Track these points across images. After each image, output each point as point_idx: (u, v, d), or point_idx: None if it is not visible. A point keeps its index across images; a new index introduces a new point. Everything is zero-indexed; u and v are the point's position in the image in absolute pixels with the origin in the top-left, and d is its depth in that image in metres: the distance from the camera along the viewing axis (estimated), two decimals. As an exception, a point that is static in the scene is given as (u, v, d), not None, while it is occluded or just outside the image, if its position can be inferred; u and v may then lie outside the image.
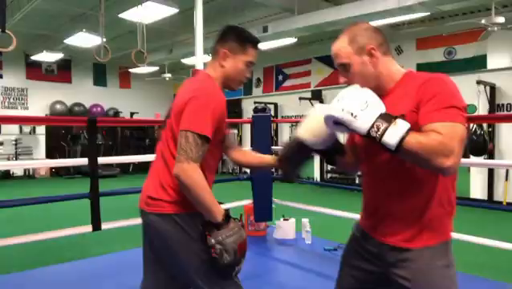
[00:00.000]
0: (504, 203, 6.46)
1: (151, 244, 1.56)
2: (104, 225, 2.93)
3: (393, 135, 1.04)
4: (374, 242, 1.30)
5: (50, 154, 10.92)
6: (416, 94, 1.15)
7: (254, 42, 1.58)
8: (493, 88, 6.69)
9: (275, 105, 10.31)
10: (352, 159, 1.45)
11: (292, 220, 3.99)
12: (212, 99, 1.42)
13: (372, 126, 1.06)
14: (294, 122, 10.35)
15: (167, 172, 1.46)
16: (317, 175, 9.46)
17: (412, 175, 1.19)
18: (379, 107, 1.09)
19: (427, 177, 1.19)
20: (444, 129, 1.05)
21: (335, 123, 1.14)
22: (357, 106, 1.08)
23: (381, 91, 1.21)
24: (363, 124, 1.07)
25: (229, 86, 1.59)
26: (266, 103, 10.74)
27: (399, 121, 1.05)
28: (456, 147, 1.04)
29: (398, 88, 1.23)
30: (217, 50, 1.57)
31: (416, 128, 1.08)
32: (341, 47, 1.26)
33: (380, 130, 1.05)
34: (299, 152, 1.45)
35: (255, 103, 10.82)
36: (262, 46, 7.98)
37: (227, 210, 1.43)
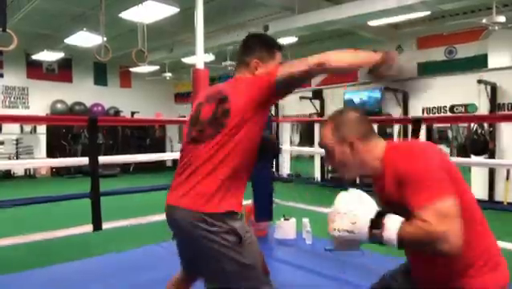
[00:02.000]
0: (505, 203, 6.46)
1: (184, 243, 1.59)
2: (105, 225, 2.93)
3: (389, 236, 1.09)
4: None
5: (50, 153, 10.92)
6: (393, 180, 1.20)
7: (279, 46, 1.64)
8: (494, 88, 6.68)
9: (276, 104, 10.30)
10: None
11: (293, 220, 3.98)
12: None
13: (371, 235, 1.12)
14: (295, 121, 10.36)
15: (211, 179, 1.43)
16: (318, 175, 9.46)
17: None
18: (369, 212, 1.15)
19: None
20: (427, 215, 1.06)
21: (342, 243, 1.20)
22: (347, 222, 1.15)
23: (375, 175, 1.30)
24: (361, 236, 1.14)
25: None
26: (266, 103, 10.69)
27: (387, 221, 1.11)
28: (446, 228, 1.03)
29: (383, 172, 1.27)
30: (247, 62, 1.58)
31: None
32: (326, 133, 1.34)
33: (377, 236, 1.12)
34: None
35: (256, 102, 10.81)
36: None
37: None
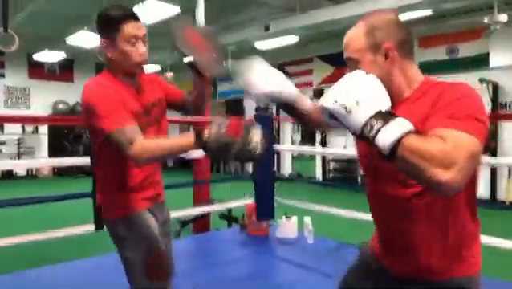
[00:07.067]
0: (507, 202, 6.45)
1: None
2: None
3: (388, 135, 0.81)
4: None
5: (52, 153, 10.94)
6: (431, 104, 0.96)
7: (123, 16, 1.37)
8: (495, 87, 6.67)
9: (277, 104, 10.30)
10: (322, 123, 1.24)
11: (294, 219, 3.98)
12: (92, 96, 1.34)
13: (366, 124, 0.84)
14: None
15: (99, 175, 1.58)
16: (319, 174, 9.46)
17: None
18: (381, 103, 0.87)
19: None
20: (450, 136, 0.82)
21: (331, 116, 0.92)
22: (353, 98, 0.86)
23: (394, 99, 0.98)
24: (356, 120, 0.86)
25: (130, 72, 1.44)
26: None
27: (399, 120, 0.83)
28: (460, 159, 0.79)
29: (414, 97, 1.03)
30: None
31: None
32: (354, 38, 1.05)
33: (374, 129, 0.83)
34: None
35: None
36: (264, 44, 7.97)
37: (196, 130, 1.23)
